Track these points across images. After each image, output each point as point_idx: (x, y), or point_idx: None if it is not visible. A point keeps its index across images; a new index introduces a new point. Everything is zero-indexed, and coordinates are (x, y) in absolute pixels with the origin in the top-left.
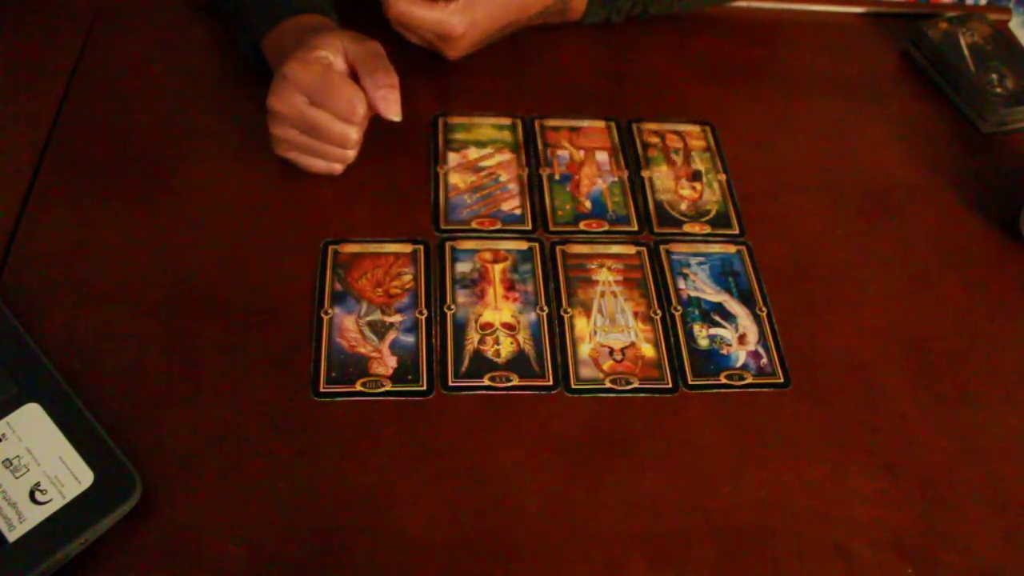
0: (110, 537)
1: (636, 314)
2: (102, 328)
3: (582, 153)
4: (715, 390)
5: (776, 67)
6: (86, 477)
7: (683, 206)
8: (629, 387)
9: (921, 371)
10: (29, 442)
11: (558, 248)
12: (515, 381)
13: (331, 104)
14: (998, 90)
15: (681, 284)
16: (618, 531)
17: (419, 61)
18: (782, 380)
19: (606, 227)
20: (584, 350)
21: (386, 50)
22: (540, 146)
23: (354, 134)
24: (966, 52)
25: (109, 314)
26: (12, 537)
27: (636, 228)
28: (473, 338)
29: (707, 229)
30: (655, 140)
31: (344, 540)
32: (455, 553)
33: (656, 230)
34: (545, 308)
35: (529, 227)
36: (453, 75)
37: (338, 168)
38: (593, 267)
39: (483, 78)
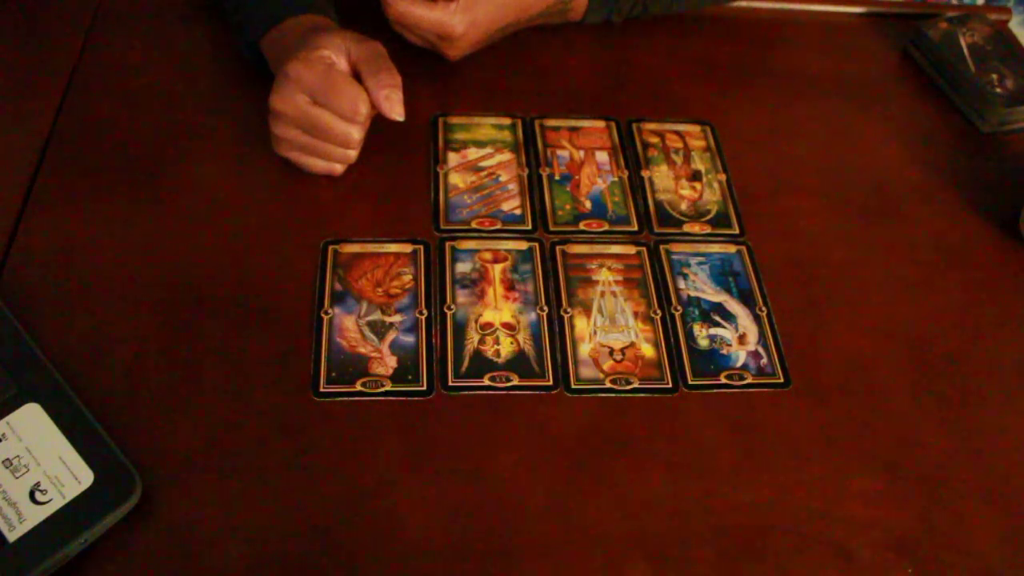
0: (110, 537)
1: (636, 314)
2: (102, 328)
3: (582, 153)
4: (715, 390)
5: (776, 67)
6: (86, 477)
7: (683, 206)
8: (629, 387)
9: (921, 371)
10: (29, 442)
11: (558, 248)
12: (515, 381)
13: (334, 103)
14: (998, 90)
15: (681, 284)
16: (618, 531)
17: (419, 61)
18: (782, 380)
19: (606, 227)
20: (584, 350)
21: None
22: (540, 146)
23: (356, 134)
24: (966, 52)
25: (109, 314)
26: (12, 537)
27: (636, 228)
28: (473, 338)
29: (707, 229)
30: (655, 140)
31: (344, 540)
32: (455, 553)
33: (656, 230)
34: (545, 308)
35: (529, 227)
36: (453, 75)
37: (339, 168)
38: (593, 267)
39: (483, 78)
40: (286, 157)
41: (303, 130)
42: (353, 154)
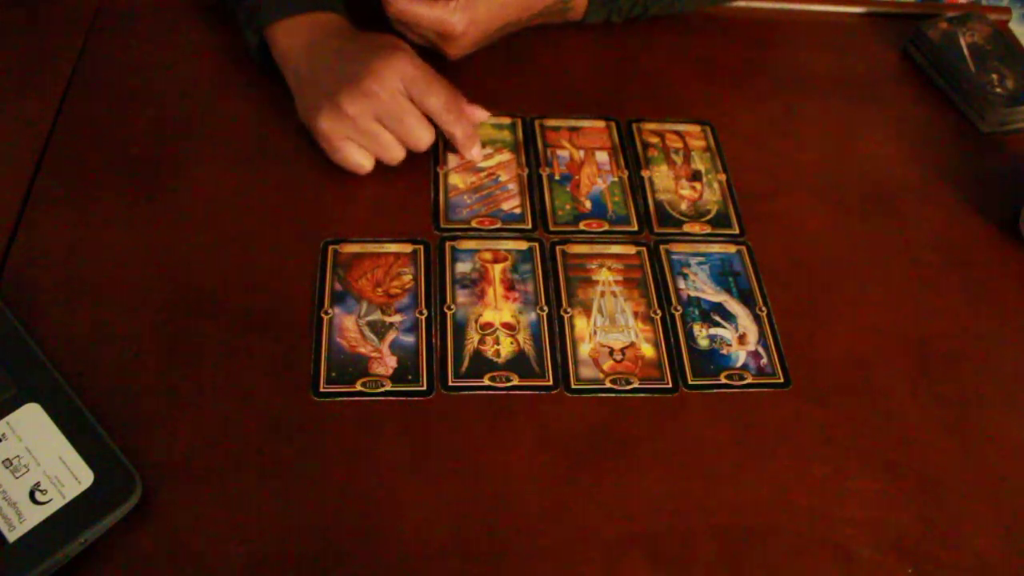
0: (110, 537)
1: (636, 314)
2: (102, 328)
3: (582, 153)
4: (715, 390)
5: (776, 67)
6: (86, 477)
7: (683, 206)
8: (629, 387)
9: (921, 371)
10: (29, 442)
11: (558, 248)
12: (515, 381)
13: (427, 97)
14: (998, 90)
15: (681, 284)
16: (618, 531)
17: None
18: (782, 380)
19: (606, 227)
20: (584, 350)
21: None
22: (540, 146)
23: (428, 137)
24: (966, 52)
25: (109, 314)
26: (12, 537)
27: (636, 228)
28: (473, 338)
29: (707, 229)
30: (655, 140)
31: (344, 540)
32: (455, 553)
33: (656, 230)
34: (545, 308)
35: (529, 227)
36: (453, 75)
37: (369, 166)
38: (593, 267)
39: (483, 78)
40: (328, 142)
41: (380, 119)
42: (402, 155)
